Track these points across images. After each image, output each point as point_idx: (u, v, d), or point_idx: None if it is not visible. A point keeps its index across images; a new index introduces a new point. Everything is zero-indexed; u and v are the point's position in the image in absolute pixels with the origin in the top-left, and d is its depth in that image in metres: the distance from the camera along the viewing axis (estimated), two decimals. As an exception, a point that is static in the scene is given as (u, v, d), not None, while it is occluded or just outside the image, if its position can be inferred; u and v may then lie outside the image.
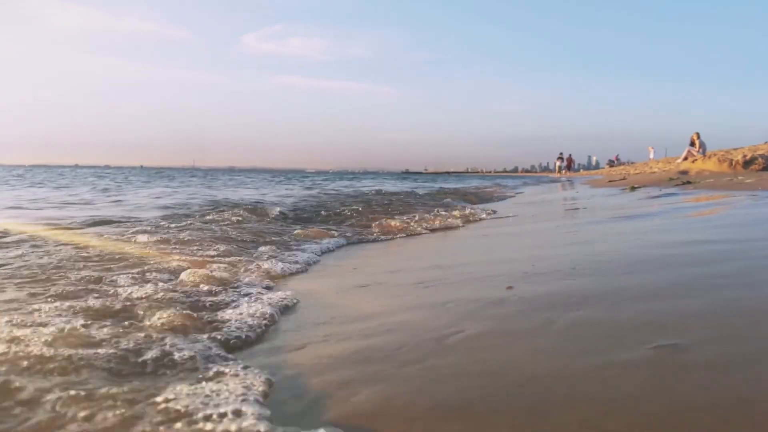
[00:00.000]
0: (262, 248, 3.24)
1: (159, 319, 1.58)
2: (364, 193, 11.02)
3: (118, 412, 0.97)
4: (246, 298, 1.93)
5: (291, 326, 1.67)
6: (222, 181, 21.28)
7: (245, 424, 0.91)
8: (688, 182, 9.42)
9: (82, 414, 0.97)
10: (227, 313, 1.70)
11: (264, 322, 1.64)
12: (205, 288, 2.07)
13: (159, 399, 1.02)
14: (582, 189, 12.13)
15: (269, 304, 1.81)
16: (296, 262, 2.83)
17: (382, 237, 4.35)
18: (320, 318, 1.75)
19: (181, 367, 1.21)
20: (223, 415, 0.93)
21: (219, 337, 1.44)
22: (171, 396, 1.02)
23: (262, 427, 0.90)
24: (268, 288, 2.19)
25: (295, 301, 1.93)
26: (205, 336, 1.44)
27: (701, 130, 15.32)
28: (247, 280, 2.28)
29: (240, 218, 4.96)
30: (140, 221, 4.99)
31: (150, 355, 1.27)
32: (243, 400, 1.00)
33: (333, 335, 1.53)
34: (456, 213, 6.04)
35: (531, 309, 1.62)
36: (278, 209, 6.04)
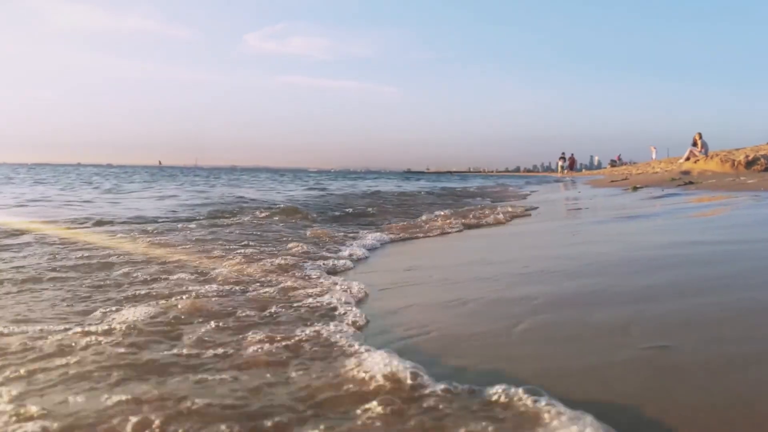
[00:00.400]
0: (292, 246, 3.20)
1: (270, 309, 1.75)
2: (368, 194, 10.98)
3: (331, 381, 1.16)
4: (328, 289, 2.05)
5: (376, 313, 1.78)
6: (225, 180, 21.28)
7: (415, 379, 1.11)
8: (691, 183, 9.41)
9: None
10: (324, 301, 1.85)
11: (359, 309, 1.80)
12: (289, 283, 2.12)
13: (347, 364, 1.23)
14: (584, 189, 12.11)
15: (351, 294, 1.98)
16: (347, 258, 2.92)
17: (418, 235, 4.28)
18: (395, 305, 1.88)
19: (334, 346, 1.39)
20: (392, 373, 1.14)
21: (346, 321, 1.64)
22: (350, 365, 1.23)
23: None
24: (335, 282, 2.23)
25: (366, 292, 2.06)
26: (335, 322, 1.62)
27: (703, 130, 15.31)
28: (314, 274, 2.37)
29: (260, 219, 4.97)
30: (158, 221, 5.02)
31: (303, 336, 1.45)
32: (397, 363, 1.19)
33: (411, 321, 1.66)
34: (499, 209, 6.02)
35: (534, 309, 1.63)
36: (305, 210, 6.00)
